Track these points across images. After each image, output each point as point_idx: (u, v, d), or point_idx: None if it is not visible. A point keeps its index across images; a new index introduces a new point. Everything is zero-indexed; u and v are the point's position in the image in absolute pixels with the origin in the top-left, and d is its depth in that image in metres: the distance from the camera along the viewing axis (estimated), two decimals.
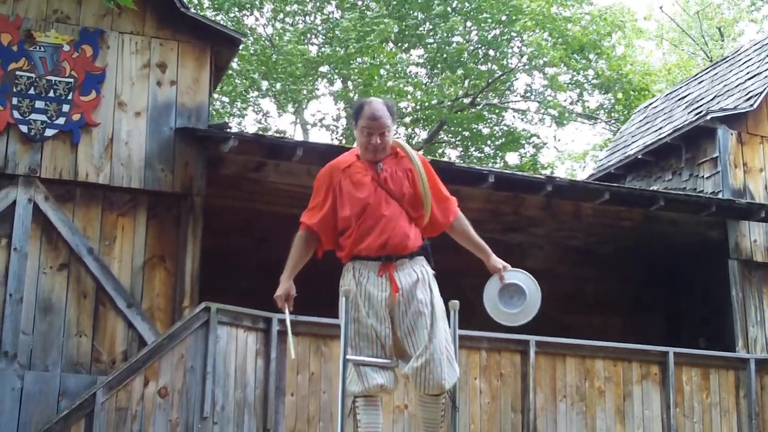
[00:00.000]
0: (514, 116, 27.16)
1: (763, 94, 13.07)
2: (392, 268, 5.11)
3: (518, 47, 25.57)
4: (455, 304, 5.25)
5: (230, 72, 22.64)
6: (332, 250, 5.34)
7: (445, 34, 24.12)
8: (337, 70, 24.37)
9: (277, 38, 24.93)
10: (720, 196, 12.49)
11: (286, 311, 5.31)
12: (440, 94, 24.22)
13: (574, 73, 25.86)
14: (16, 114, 9.61)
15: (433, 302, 5.12)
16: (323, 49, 24.68)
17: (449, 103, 23.79)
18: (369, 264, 5.12)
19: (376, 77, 22.93)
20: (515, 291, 5.39)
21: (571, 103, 26.91)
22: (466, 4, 24.51)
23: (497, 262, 5.41)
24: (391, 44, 24.97)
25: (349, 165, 5.27)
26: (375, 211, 5.11)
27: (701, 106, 14.26)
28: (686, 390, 10.34)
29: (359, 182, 5.18)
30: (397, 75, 23.82)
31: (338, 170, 5.27)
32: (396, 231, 5.11)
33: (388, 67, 23.30)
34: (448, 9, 24.44)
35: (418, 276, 5.14)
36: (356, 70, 23.45)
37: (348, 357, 5.04)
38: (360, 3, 25.20)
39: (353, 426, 5.09)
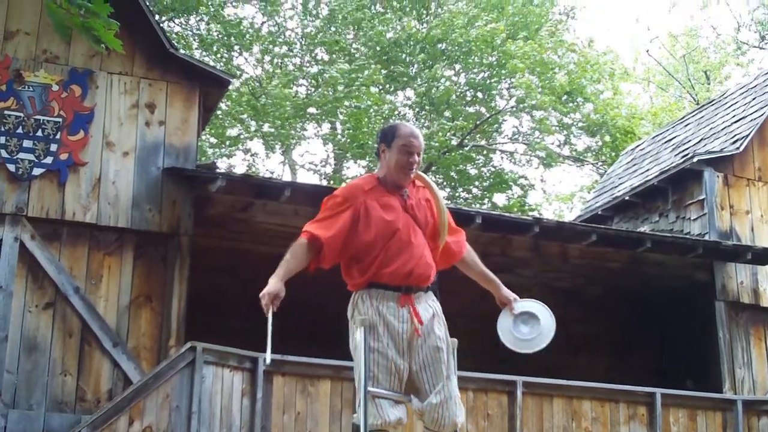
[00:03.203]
0: (501, 158, 27.27)
1: (749, 137, 13.15)
2: (412, 300, 4.98)
3: (507, 90, 25.71)
4: (454, 342, 5.18)
5: (219, 113, 22.70)
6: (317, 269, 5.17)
7: (431, 80, 24.24)
8: (324, 114, 24.46)
9: (266, 80, 25.04)
10: (707, 237, 12.52)
11: (270, 312, 4.98)
12: (429, 138, 24.30)
13: (562, 116, 25.98)
14: (3, 153, 9.62)
15: (448, 339, 5.05)
16: (311, 92, 24.78)
17: (437, 145, 23.84)
18: (388, 294, 4.94)
19: (364, 120, 23.01)
20: (528, 318, 5.37)
21: (559, 146, 27.02)
22: (452, 48, 24.62)
23: (508, 293, 5.34)
24: (378, 87, 25.06)
25: (372, 188, 5.09)
26: (404, 237, 4.96)
27: (688, 148, 14.34)
28: (673, 431, 10.31)
29: (388, 205, 5.02)
30: (385, 117, 23.90)
31: (363, 191, 5.05)
32: (422, 261, 4.99)
33: (376, 108, 23.38)
34: (436, 51, 24.58)
35: (434, 311, 5.05)
36: (344, 114, 23.53)
37: (369, 389, 4.79)
38: (348, 46, 25.35)
39: None
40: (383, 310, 4.94)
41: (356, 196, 5.04)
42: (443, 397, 4.91)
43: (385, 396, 4.88)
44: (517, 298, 5.39)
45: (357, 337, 4.94)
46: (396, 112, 25.10)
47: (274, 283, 4.96)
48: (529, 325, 5.39)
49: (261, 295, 4.92)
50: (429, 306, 5.06)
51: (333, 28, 24.92)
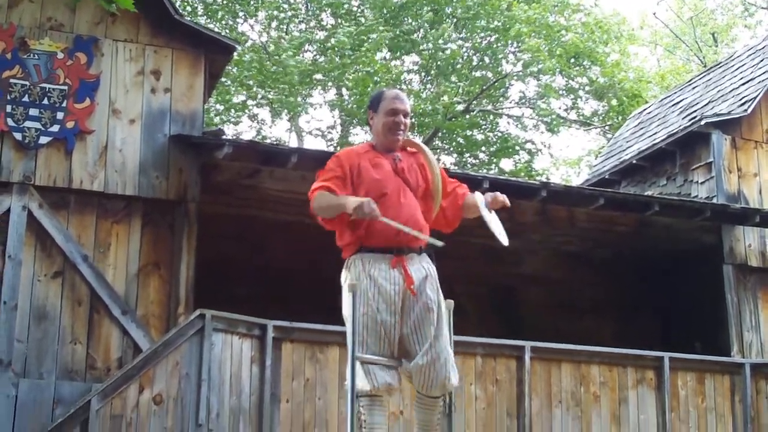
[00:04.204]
0: (508, 122, 27.19)
1: (757, 99, 13.09)
2: (404, 261, 5.02)
3: (513, 54, 25.59)
4: (450, 303, 5.19)
5: (224, 80, 22.64)
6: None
7: (438, 41, 24.13)
8: (331, 80, 24.39)
9: (272, 46, 24.95)
10: (714, 201, 12.50)
11: (378, 215, 4.88)
12: (435, 102, 24.23)
13: (568, 81, 25.88)
14: (10, 122, 9.61)
15: (440, 301, 5.08)
16: (318, 58, 24.69)
17: (443, 110, 23.78)
18: (379, 256, 5.01)
19: (371, 86, 22.93)
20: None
21: (566, 110, 26.94)
22: (459, 11, 24.50)
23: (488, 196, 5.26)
24: (385, 51, 24.97)
25: (365, 152, 5.24)
26: (393, 198, 5.05)
27: (695, 111, 14.28)
28: (681, 395, 10.34)
29: (379, 165, 5.14)
30: (390, 83, 23.82)
31: (356, 153, 5.22)
32: (411, 221, 5.04)
33: (382, 74, 23.30)
34: (443, 15, 24.46)
35: (427, 273, 5.09)
36: (351, 79, 23.45)
37: (357, 355, 4.86)
38: (355, 9, 25.23)
39: (357, 426, 4.90)
40: (374, 273, 4.99)
41: (351, 158, 5.17)
42: (431, 357, 4.92)
43: (375, 361, 4.92)
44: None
45: (345, 302, 4.97)
46: (402, 77, 25.03)
47: (354, 198, 4.95)
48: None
49: (357, 207, 4.86)
50: (422, 267, 5.10)
51: None
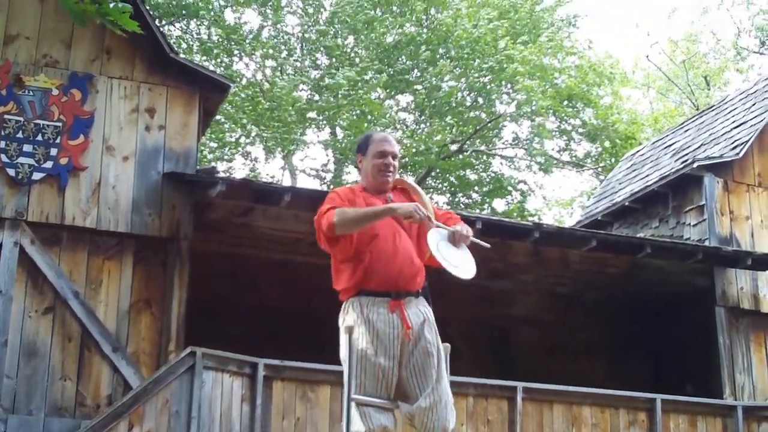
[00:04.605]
0: (501, 163, 27.28)
1: (749, 143, 13.15)
2: (402, 305, 5.00)
3: (507, 94, 25.70)
4: (447, 347, 5.19)
5: (219, 117, 22.69)
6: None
7: (434, 80, 24.23)
8: (326, 120, 24.46)
9: (267, 84, 25.03)
10: (707, 243, 12.52)
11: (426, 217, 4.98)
12: (428, 141, 24.31)
13: (562, 122, 25.99)
14: (3, 157, 9.62)
15: (438, 344, 5.06)
16: (311, 96, 24.77)
17: (437, 149, 23.85)
18: (377, 300, 4.98)
19: (365, 126, 23.01)
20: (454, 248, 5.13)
21: (559, 151, 27.03)
22: (453, 51, 24.61)
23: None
24: (379, 91, 25.06)
25: (360, 190, 5.23)
26: (388, 241, 5.02)
27: (688, 154, 14.34)
28: None
29: (372, 206, 5.08)
30: (384, 123, 23.91)
31: (351, 191, 5.21)
32: (407, 263, 5.03)
33: (376, 114, 23.38)
34: (437, 55, 24.57)
35: (425, 316, 5.06)
36: (345, 119, 23.52)
37: (353, 396, 4.83)
38: (349, 51, 25.34)
39: None
40: (372, 317, 4.97)
41: (348, 194, 5.17)
42: (432, 400, 4.91)
43: (371, 403, 4.89)
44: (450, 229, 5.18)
45: (343, 344, 4.96)
46: (396, 117, 25.11)
47: (399, 204, 5.03)
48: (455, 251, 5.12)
49: (410, 211, 4.93)
50: (420, 311, 5.08)
51: (333, 31, 24.90)
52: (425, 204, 5.23)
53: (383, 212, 5.01)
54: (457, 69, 24.93)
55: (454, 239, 5.10)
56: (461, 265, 5.04)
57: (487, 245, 5.12)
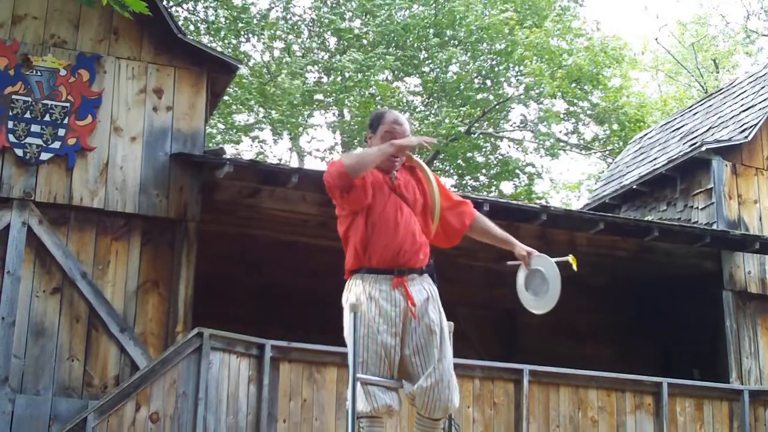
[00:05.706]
0: (509, 146, 27.23)
1: (758, 126, 13.11)
2: (406, 282, 4.96)
3: (515, 77, 25.64)
4: (451, 325, 5.16)
5: (227, 98, 22.67)
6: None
7: (443, 64, 24.18)
8: (334, 103, 24.43)
9: (274, 66, 24.99)
10: (714, 227, 12.50)
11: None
12: (437, 127, 24.28)
13: (570, 105, 25.93)
14: (11, 138, 9.62)
15: (442, 323, 5.02)
16: (321, 77, 24.74)
17: (444, 132, 23.81)
18: (380, 277, 4.95)
19: (372, 107, 22.97)
20: (541, 277, 5.32)
21: (567, 134, 26.98)
22: (461, 35, 24.55)
23: (522, 249, 5.31)
24: (387, 73, 25.02)
25: None
26: (390, 216, 4.99)
27: (696, 137, 14.30)
28: (680, 421, 10.30)
29: (377, 182, 5.06)
30: (392, 103, 23.86)
31: None
32: (409, 239, 4.99)
33: (384, 97, 23.35)
34: (446, 38, 24.52)
35: (429, 294, 5.02)
36: (353, 101, 23.49)
37: (358, 376, 4.76)
38: (358, 32, 25.28)
39: None
40: (375, 294, 4.93)
41: None
42: (434, 380, 4.87)
43: (376, 383, 4.86)
44: (534, 252, 5.35)
45: (346, 322, 4.94)
46: (404, 99, 25.06)
47: (397, 141, 5.06)
48: (540, 282, 5.34)
49: (418, 143, 5.05)
50: (423, 288, 5.04)
51: (341, 11, 24.86)
52: (429, 181, 5.21)
53: (381, 152, 4.99)
54: (466, 55, 24.87)
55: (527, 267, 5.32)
56: (540, 297, 5.33)
57: (571, 262, 5.23)
